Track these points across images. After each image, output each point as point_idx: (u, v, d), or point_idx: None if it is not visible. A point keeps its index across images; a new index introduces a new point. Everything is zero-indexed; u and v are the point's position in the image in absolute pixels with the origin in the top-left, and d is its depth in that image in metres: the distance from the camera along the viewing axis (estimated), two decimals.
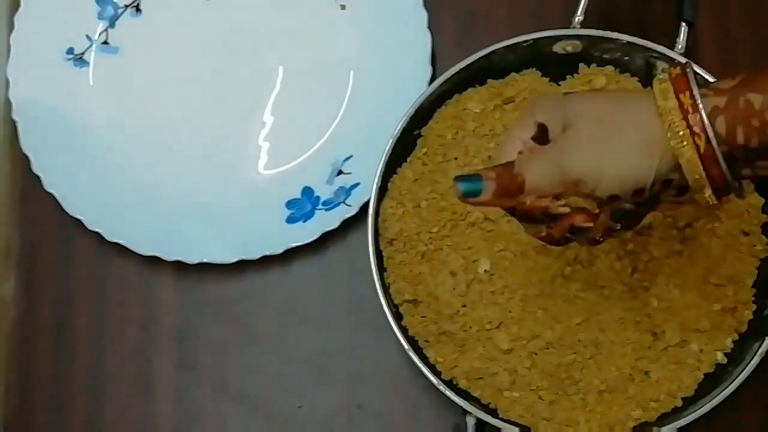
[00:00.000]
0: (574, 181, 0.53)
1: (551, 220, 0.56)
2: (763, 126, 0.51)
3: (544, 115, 0.55)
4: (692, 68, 0.53)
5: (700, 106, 0.51)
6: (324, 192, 0.79)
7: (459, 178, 0.54)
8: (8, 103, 0.81)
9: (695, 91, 0.52)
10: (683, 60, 0.57)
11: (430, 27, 0.80)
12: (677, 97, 0.52)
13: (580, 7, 0.73)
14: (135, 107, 0.82)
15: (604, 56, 0.74)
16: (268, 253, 0.77)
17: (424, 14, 0.80)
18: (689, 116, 0.51)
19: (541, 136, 0.56)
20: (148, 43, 0.83)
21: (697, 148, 0.51)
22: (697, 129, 0.51)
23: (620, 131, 0.53)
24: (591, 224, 0.55)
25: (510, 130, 0.57)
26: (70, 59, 0.83)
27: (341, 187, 0.79)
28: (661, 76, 0.54)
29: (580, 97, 0.56)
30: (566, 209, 0.55)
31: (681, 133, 0.51)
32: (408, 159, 0.74)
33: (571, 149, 0.53)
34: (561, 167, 0.53)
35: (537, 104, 0.56)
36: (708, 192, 0.53)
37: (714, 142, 0.51)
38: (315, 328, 0.79)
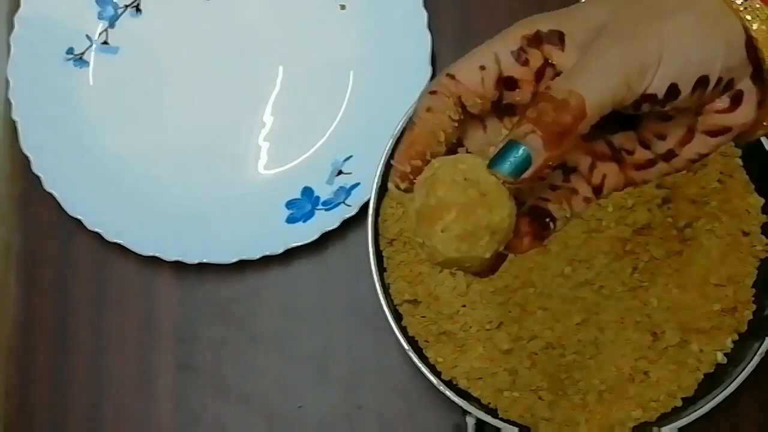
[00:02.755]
0: (638, 72, 0.40)
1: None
2: None
3: (549, 24, 0.44)
4: None
5: None
6: (324, 192, 0.79)
7: (494, 163, 0.41)
8: (8, 103, 0.81)
9: None
10: None
11: (430, 27, 0.80)
12: None
13: None
14: (135, 107, 0.82)
15: None
16: (268, 253, 0.77)
17: (424, 14, 0.80)
18: None
19: (537, 41, 0.44)
20: (148, 43, 0.83)
21: None
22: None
23: (674, 7, 0.41)
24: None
25: (485, 46, 0.44)
26: (70, 59, 0.83)
27: (341, 187, 0.79)
28: None
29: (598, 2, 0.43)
30: None
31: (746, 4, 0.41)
32: None
33: (626, 36, 0.41)
34: (625, 61, 0.40)
35: (530, 19, 0.45)
36: None
37: None
38: (315, 328, 0.79)
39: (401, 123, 0.72)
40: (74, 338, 0.80)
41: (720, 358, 0.71)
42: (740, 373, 0.68)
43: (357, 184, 0.78)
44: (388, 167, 0.72)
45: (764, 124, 0.44)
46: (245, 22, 0.83)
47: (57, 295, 0.80)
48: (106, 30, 0.83)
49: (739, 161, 0.72)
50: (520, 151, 0.40)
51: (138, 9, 0.84)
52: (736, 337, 0.71)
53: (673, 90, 0.41)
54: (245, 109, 0.82)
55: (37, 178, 0.79)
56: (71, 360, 0.79)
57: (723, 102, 0.43)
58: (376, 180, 0.72)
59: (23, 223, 0.82)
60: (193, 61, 0.83)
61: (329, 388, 0.78)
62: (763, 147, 0.70)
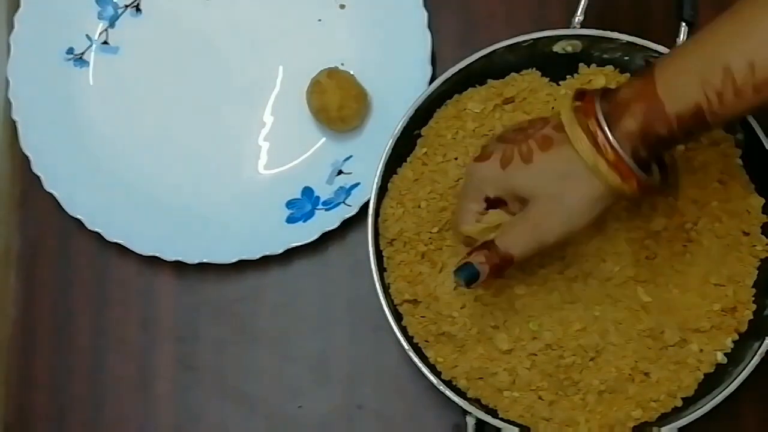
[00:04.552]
0: (540, 245, 0.63)
1: None
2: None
3: (494, 190, 0.64)
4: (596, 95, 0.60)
5: (605, 128, 0.58)
6: (324, 192, 0.79)
7: (457, 272, 0.63)
8: (8, 103, 0.81)
9: (599, 115, 0.59)
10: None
11: (430, 27, 0.80)
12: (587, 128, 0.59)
13: (580, 7, 0.73)
14: (135, 107, 0.82)
15: (604, 56, 0.74)
16: (268, 253, 0.77)
17: (424, 14, 0.80)
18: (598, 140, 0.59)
19: (490, 204, 0.65)
20: (148, 43, 0.83)
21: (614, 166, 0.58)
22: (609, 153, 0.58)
23: (565, 199, 0.61)
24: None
25: (464, 204, 0.66)
26: (70, 59, 0.83)
27: (341, 187, 0.79)
28: (567, 110, 0.60)
29: (520, 174, 0.63)
30: None
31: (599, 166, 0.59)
32: (408, 159, 0.74)
33: (542, 227, 0.62)
34: (541, 241, 0.63)
35: (482, 181, 0.65)
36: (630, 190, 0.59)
37: (622, 154, 0.58)
38: (315, 328, 0.79)
39: (401, 123, 0.72)
40: (74, 338, 0.80)
41: (720, 357, 0.70)
42: (740, 373, 0.68)
43: (357, 184, 0.78)
44: (388, 167, 0.72)
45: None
46: (245, 22, 0.83)
47: (57, 295, 0.81)
48: (106, 30, 0.83)
49: (740, 161, 0.72)
50: (475, 270, 0.63)
51: (138, 9, 0.84)
52: (736, 337, 0.71)
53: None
54: (245, 109, 0.82)
55: (37, 178, 0.79)
56: (71, 360, 0.79)
57: None
58: (376, 180, 0.72)
59: (23, 223, 0.82)
60: (193, 61, 0.83)
61: (329, 388, 0.78)
62: (764, 147, 0.70)
